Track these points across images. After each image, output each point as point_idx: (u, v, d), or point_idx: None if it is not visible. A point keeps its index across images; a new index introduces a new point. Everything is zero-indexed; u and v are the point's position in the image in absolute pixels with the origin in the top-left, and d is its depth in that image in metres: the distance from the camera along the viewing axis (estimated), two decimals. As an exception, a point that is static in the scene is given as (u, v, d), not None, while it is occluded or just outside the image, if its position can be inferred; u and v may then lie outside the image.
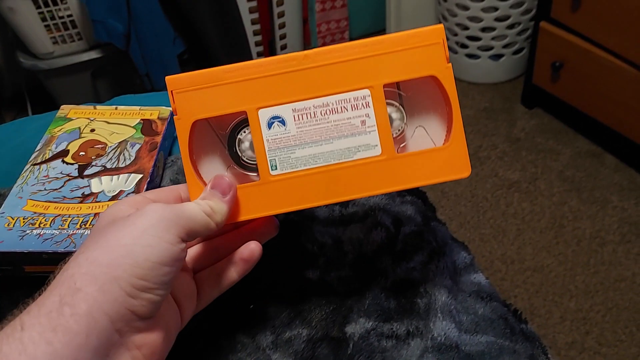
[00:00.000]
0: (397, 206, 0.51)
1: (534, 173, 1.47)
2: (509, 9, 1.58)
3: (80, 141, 0.53)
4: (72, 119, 0.56)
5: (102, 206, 0.47)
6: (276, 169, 0.38)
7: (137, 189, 0.49)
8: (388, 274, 0.46)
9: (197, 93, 0.37)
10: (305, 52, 0.38)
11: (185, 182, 0.39)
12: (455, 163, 0.38)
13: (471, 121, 1.62)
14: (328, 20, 1.80)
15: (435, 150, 0.39)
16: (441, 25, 0.39)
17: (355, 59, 0.38)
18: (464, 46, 1.69)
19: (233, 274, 0.39)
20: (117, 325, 0.30)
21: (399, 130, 0.40)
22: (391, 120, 0.39)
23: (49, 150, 0.52)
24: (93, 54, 1.43)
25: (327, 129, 0.38)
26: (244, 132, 0.40)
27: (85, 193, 0.48)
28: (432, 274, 0.45)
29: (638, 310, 1.17)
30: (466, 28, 1.65)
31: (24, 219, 0.46)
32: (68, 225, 0.46)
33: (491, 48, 1.67)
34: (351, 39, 1.91)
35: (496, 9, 1.58)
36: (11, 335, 0.29)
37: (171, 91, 0.37)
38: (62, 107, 0.57)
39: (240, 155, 0.40)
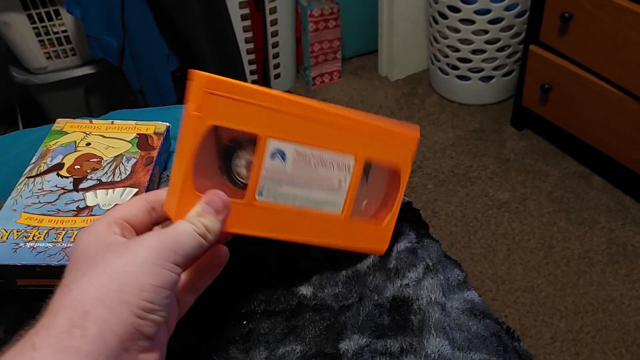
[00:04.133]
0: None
1: (523, 193, 1.48)
2: (499, 32, 1.60)
3: (76, 155, 0.53)
4: (68, 133, 0.56)
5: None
6: (261, 195, 0.40)
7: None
8: (382, 290, 0.46)
9: (224, 100, 0.37)
10: (325, 106, 0.41)
11: (157, 189, 0.40)
12: (380, 241, 0.47)
13: (461, 142, 1.64)
14: (321, 40, 1.82)
15: (374, 226, 0.47)
16: (417, 135, 0.47)
17: (358, 131, 0.43)
18: (454, 68, 1.71)
19: (206, 280, 0.42)
20: (126, 345, 0.32)
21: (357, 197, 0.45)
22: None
23: (44, 163, 0.52)
24: (86, 70, 1.43)
25: (314, 178, 0.42)
26: (244, 150, 0.40)
27: (80, 206, 0.48)
28: (426, 291, 0.46)
29: (627, 332, 1.17)
30: (457, 50, 1.67)
31: (17, 231, 0.46)
32: (62, 239, 0.45)
33: (481, 70, 1.69)
34: (344, 59, 1.93)
35: (486, 32, 1.60)
36: (23, 354, 0.30)
37: (204, 89, 0.36)
38: (57, 120, 0.57)
39: (231, 169, 0.41)
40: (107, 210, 0.48)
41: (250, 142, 0.40)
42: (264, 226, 0.41)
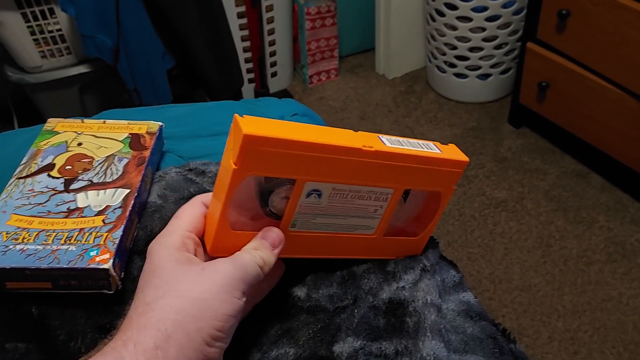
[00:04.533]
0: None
1: (520, 192, 1.47)
2: (497, 29, 1.60)
3: (67, 155, 0.53)
4: (59, 133, 0.55)
5: (87, 221, 0.46)
6: (294, 227, 0.42)
7: (124, 204, 0.48)
8: (377, 292, 0.46)
9: (264, 153, 0.38)
10: (363, 146, 0.40)
11: (208, 193, 0.42)
12: (415, 248, 0.49)
13: (459, 140, 1.63)
14: (318, 38, 1.81)
15: (408, 240, 0.48)
16: (467, 160, 0.46)
17: (398, 166, 0.43)
18: (452, 66, 1.71)
19: (265, 289, 0.45)
20: None
21: (394, 220, 0.47)
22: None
23: (35, 163, 0.51)
24: (81, 69, 1.42)
25: (348, 209, 0.43)
26: (281, 187, 0.42)
27: (71, 208, 0.48)
28: (422, 293, 0.45)
29: (625, 331, 1.17)
30: (454, 48, 1.66)
31: (7, 233, 0.45)
32: (52, 241, 0.45)
33: (479, 68, 1.68)
34: (341, 57, 1.93)
35: (484, 29, 1.60)
36: None
37: (241, 146, 0.37)
38: (49, 120, 0.57)
39: (268, 202, 0.42)
40: (98, 211, 0.47)
41: (287, 180, 0.41)
42: (297, 250, 0.43)
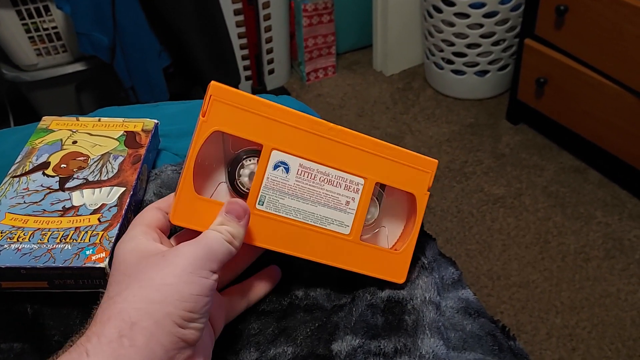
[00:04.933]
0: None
1: (518, 188, 1.47)
2: (494, 26, 1.59)
3: (62, 153, 0.52)
4: (54, 131, 0.54)
5: (83, 220, 0.46)
6: (262, 205, 0.42)
7: (119, 203, 0.48)
8: (375, 290, 0.46)
9: (232, 109, 0.40)
10: (333, 125, 0.42)
11: (167, 195, 0.42)
12: (397, 269, 0.45)
13: (457, 137, 1.63)
14: (315, 35, 1.81)
15: (388, 253, 0.45)
16: (436, 161, 0.46)
17: (366, 151, 0.43)
18: (450, 62, 1.71)
19: (261, 289, 0.45)
20: (170, 354, 0.34)
21: (367, 221, 0.45)
22: (367, 211, 0.45)
23: (30, 162, 0.51)
24: (77, 67, 1.41)
25: (318, 194, 0.43)
26: (250, 160, 0.42)
27: (66, 206, 0.47)
28: (421, 290, 0.45)
29: (623, 326, 1.17)
30: (452, 44, 1.66)
31: (1, 232, 0.45)
32: (47, 240, 0.44)
33: (477, 64, 1.68)
34: (338, 54, 1.92)
35: (481, 25, 1.59)
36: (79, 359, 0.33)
37: (210, 95, 0.39)
38: (43, 118, 0.56)
39: (236, 178, 0.42)
40: (93, 209, 0.47)
41: (256, 153, 0.42)
42: (268, 238, 0.42)
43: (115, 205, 0.47)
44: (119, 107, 0.65)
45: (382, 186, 0.46)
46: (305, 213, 0.43)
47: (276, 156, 0.41)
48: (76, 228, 0.45)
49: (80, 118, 0.56)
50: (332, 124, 0.42)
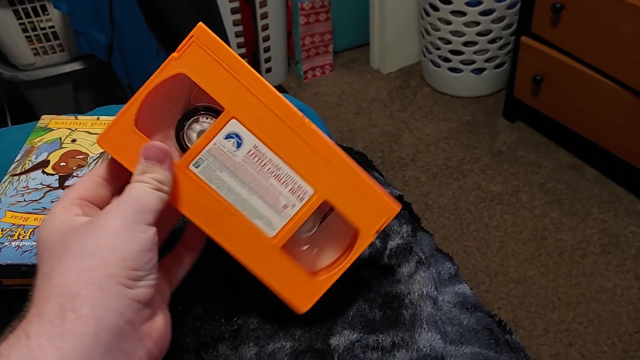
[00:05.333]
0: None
1: (515, 185, 1.48)
2: (491, 23, 1.60)
3: (61, 152, 0.52)
4: (53, 129, 0.55)
5: (83, 217, 0.46)
6: (197, 168, 0.38)
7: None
8: (373, 285, 0.46)
9: (208, 59, 0.37)
10: (306, 121, 0.39)
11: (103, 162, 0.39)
12: (305, 295, 0.41)
13: (454, 134, 1.64)
14: (312, 33, 1.81)
15: (305, 274, 0.41)
16: (398, 208, 0.41)
17: (330, 163, 0.39)
18: (446, 60, 1.71)
19: (190, 256, 0.42)
20: (127, 317, 0.32)
21: (300, 235, 0.42)
22: (303, 225, 0.41)
23: (29, 160, 0.51)
24: (75, 66, 1.41)
25: (259, 183, 0.39)
26: (207, 118, 0.39)
27: (66, 204, 0.47)
28: (418, 285, 0.45)
29: (619, 321, 1.17)
30: (449, 42, 1.66)
31: (2, 230, 0.45)
32: (47, 237, 0.45)
33: (473, 62, 1.69)
34: (335, 53, 1.93)
35: (478, 23, 1.60)
36: (17, 343, 0.30)
37: (192, 36, 0.37)
38: (42, 117, 0.56)
39: (185, 129, 0.39)
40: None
41: (216, 114, 0.39)
42: (186, 203, 0.38)
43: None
44: (117, 105, 0.66)
45: (325, 215, 0.42)
46: (236, 196, 0.39)
47: (233, 126, 0.38)
48: (76, 225, 0.46)
49: (79, 117, 0.57)
50: (307, 120, 0.39)
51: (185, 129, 0.39)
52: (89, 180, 0.38)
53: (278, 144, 0.38)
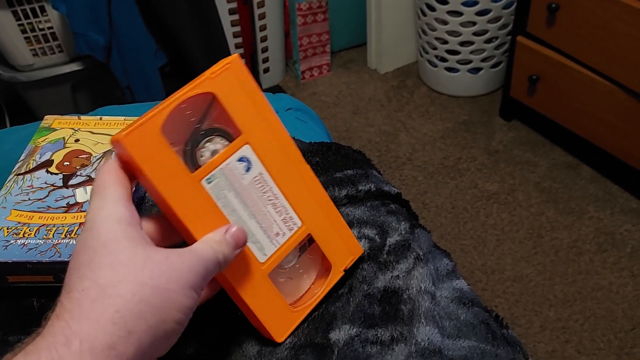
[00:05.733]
0: (382, 216, 0.52)
1: (512, 184, 1.49)
2: (487, 23, 1.61)
3: (65, 151, 0.53)
4: (56, 129, 0.56)
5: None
6: (209, 184, 0.39)
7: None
8: (372, 281, 0.47)
9: (237, 86, 0.40)
10: (304, 163, 0.44)
11: None
12: (282, 326, 0.44)
13: (450, 134, 1.65)
14: (310, 33, 1.82)
15: (285, 305, 0.44)
16: (361, 250, 0.48)
17: (317, 202, 0.44)
18: (443, 60, 1.72)
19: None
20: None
21: (281, 266, 0.44)
22: (288, 256, 0.44)
23: (33, 160, 0.52)
24: (73, 66, 1.42)
25: (259, 209, 0.42)
26: (221, 139, 0.41)
27: (70, 203, 0.48)
28: (416, 281, 0.46)
29: (615, 319, 1.19)
30: (445, 42, 1.67)
31: (7, 228, 0.46)
32: (53, 235, 0.45)
33: (470, 62, 1.70)
34: (332, 53, 1.93)
35: (474, 23, 1.61)
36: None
37: (228, 63, 0.40)
38: (46, 117, 0.57)
39: (199, 146, 0.40)
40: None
41: (230, 138, 0.41)
42: (194, 218, 0.38)
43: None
44: (119, 105, 0.67)
45: (310, 241, 0.45)
46: (237, 217, 0.40)
47: (246, 151, 0.41)
48: (80, 224, 0.46)
49: (82, 117, 0.58)
50: (304, 162, 0.43)
51: (199, 146, 0.41)
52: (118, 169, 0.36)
53: (280, 176, 0.42)
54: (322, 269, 0.47)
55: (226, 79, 0.40)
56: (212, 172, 0.39)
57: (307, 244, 0.46)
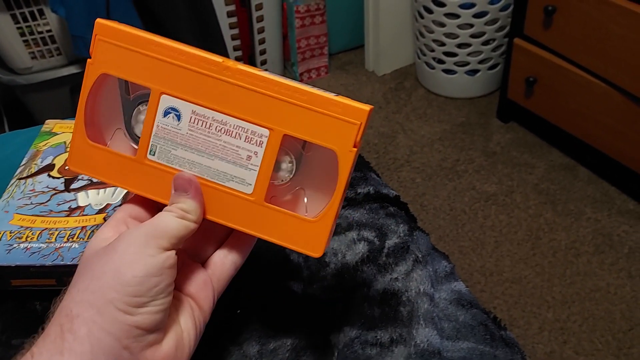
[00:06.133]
0: (381, 219, 0.52)
1: (510, 186, 1.50)
2: (484, 25, 1.62)
3: (66, 155, 0.54)
4: (58, 134, 0.56)
5: (89, 219, 0.48)
6: (154, 155, 0.37)
7: (124, 202, 0.49)
8: (371, 283, 0.47)
9: (118, 49, 0.36)
10: (228, 62, 0.36)
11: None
12: (312, 241, 0.37)
13: (448, 136, 1.65)
14: (307, 36, 1.82)
15: (301, 220, 0.37)
16: (369, 109, 0.36)
17: (272, 96, 0.36)
18: (440, 62, 1.73)
19: (245, 247, 0.40)
20: (124, 342, 0.32)
21: (281, 180, 0.39)
22: (278, 167, 0.38)
23: (35, 164, 0.52)
24: (72, 69, 1.42)
25: (215, 145, 0.37)
26: (145, 105, 0.38)
27: (72, 207, 0.49)
28: (415, 283, 0.47)
29: (613, 320, 1.19)
30: (443, 44, 1.68)
31: (10, 232, 0.46)
32: (55, 239, 0.46)
33: (467, 64, 1.70)
34: (330, 55, 1.94)
35: (472, 25, 1.61)
36: None
37: (95, 35, 0.36)
38: (47, 121, 0.58)
39: (132, 125, 0.39)
40: (99, 209, 0.48)
41: (147, 96, 0.38)
42: (162, 191, 0.37)
43: (119, 205, 0.49)
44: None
45: (299, 152, 0.39)
46: (200, 167, 0.37)
47: (166, 101, 0.37)
48: (83, 227, 0.47)
49: (83, 121, 0.58)
50: (230, 62, 0.36)
51: (133, 125, 0.39)
52: (139, 198, 0.38)
53: (213, 99, 0.36)
54: (329, 164, 0.38)
55: (103, 50, 0.36)
56: (150, 143, 0.37)
57: (303, 145, 0.39)
